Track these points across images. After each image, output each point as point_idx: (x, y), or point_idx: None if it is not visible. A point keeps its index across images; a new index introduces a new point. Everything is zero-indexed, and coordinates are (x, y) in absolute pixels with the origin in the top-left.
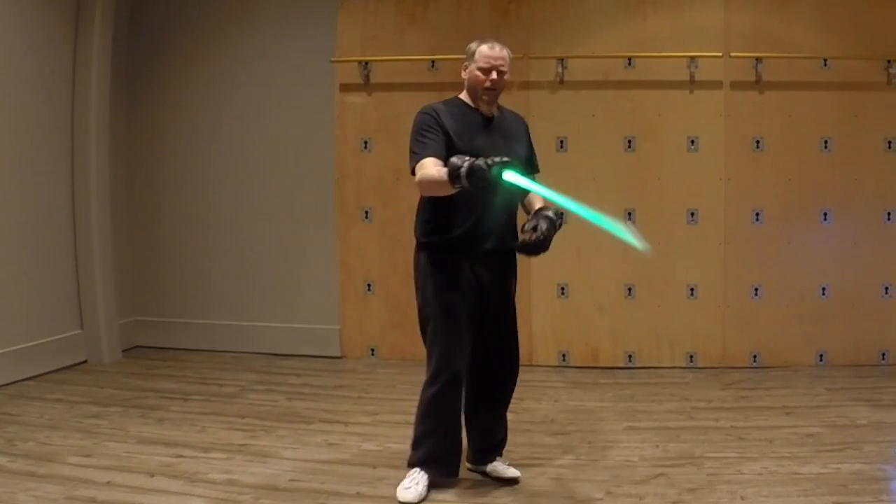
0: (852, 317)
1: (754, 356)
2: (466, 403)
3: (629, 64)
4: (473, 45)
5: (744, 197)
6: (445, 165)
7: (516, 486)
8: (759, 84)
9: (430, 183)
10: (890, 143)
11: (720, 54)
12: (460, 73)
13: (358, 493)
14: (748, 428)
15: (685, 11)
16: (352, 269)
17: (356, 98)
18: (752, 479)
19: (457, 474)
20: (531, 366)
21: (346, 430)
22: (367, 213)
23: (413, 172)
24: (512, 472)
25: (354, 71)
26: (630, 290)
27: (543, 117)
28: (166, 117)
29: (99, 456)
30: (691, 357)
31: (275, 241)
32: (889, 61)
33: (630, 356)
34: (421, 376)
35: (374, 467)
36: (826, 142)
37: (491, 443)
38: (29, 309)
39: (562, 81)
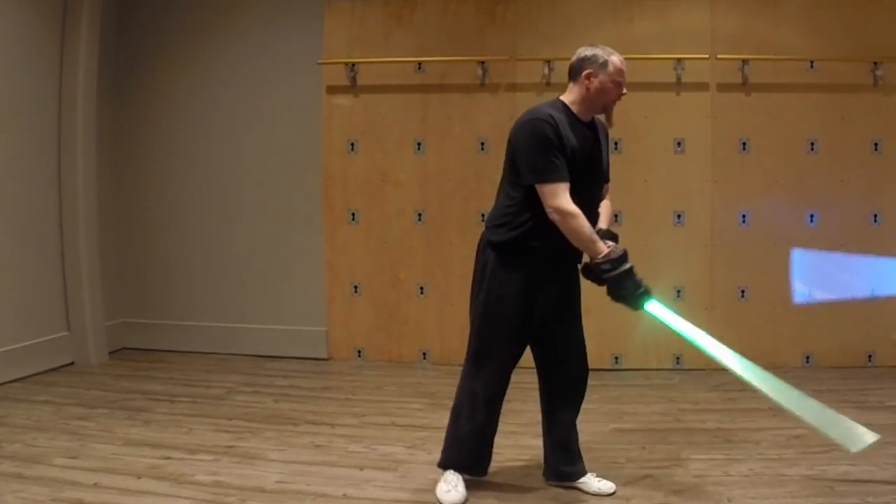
0: (838, 319)
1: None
2: (544, 416)
3: None
4: (602, 55)
5: (730, 199)
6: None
7: (503, 488)
8: (745, 86)
9: (573, 232)
10: (876, 144)
11: (707, 56)
12: (584, 81)
13: (345, 495)
14: (735, 430)
15: (671, 13)
16: (338, 271)
17: (343, 100)
18: (738, 481)
19: (485, 474)
20: (518, 367)
21: (332, 431)
22: (353, 214)
23: (536, 182)
24: (606, 485)
25: (341, 73)
26: None
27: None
28: (153, 119)
29: (86, 458)
30: (678, 359)
31: (262, 242)
32: (875, 63)
33: (616, 358)
34: (407, 378)
35: (361, 469)
36: (813, 144)
37: (573, 455)
38: (16, 311)
39: (548, 83)
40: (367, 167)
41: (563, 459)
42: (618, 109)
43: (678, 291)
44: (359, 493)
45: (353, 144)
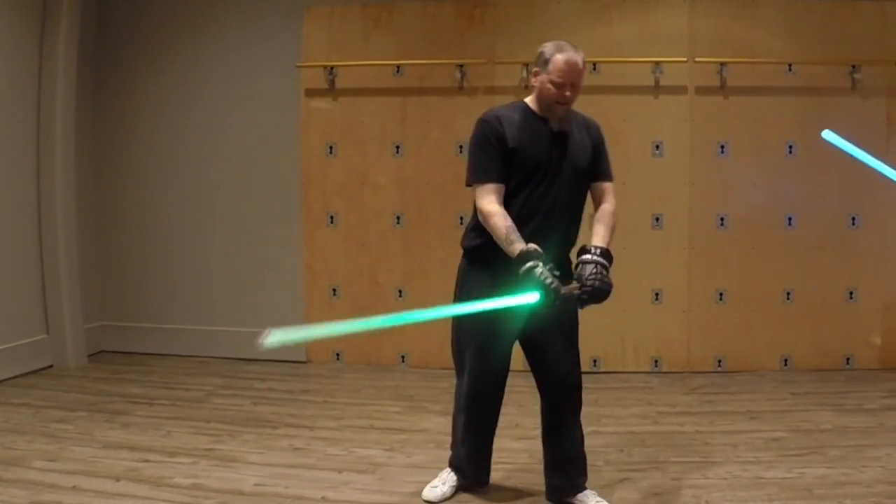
0: (817, 321)
1: (719, 361)
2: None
3: (594, 69)
4: (547, 51)
5: (708, 202)
6: (511, 191)
7: (481, 491)
8: (723, 89)
9: (493, 231)
10: None
11: (685, 59)
12: (531, 78)
13: (323, 498)
14: (713, 433)
15: (650, 17)
16: (317, 274)
17: (321, 103)
18: (716, 484)
19: (484, 483)
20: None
21: (311, 434)
22: (332, 217)
23: (469, 185)
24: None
25: (320, 76)
26: None
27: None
28: (132, 122)
29: (64, 460)
30: (656, 362)
31: (240, 245)
32: (853, 66)
33: (595, 361)
34: (385, 381)
35: (340, 472)
36: (791, 147)
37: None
38: None
39: (527, 87)
40: (345, 170)
41: (561, 476)
42: (595, 112)
43: (656, 294)
44: (337, 496)
45: (331, 147)
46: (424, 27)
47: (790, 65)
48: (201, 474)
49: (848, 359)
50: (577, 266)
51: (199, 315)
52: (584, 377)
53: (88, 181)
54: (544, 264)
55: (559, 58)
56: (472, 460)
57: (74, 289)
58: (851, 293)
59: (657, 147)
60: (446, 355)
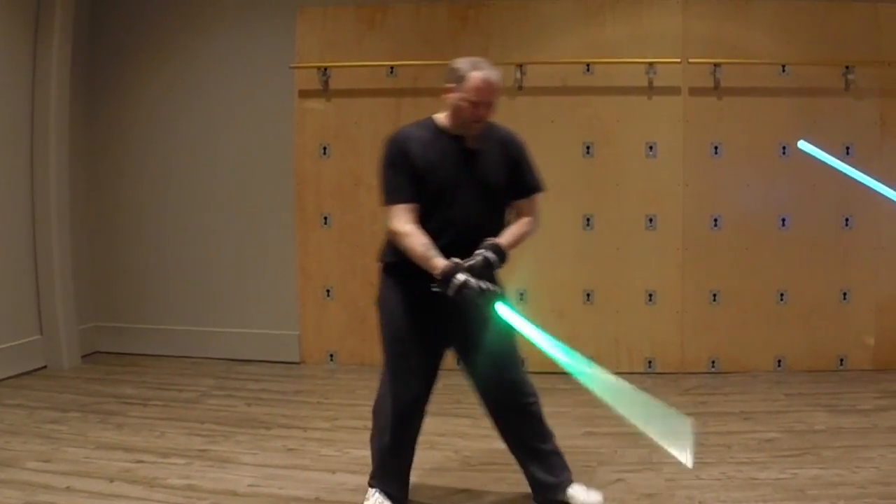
0: (810, 322)
1: (712, 361)
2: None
3: (588, 70)
4: (464, 68)
5: (702, 203)
6: (424, 208)
7: (475, 492)
8: (717, 90)
9: (409, 251)
10: (848, 148)
11: (678, 60)
12: (442, 93)
13: (317, 499)
14: (706, 433)
15: (643, 17)
16: (311, 275)
17: (315, 104)
18: (710, 485)
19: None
20: None
21: (305, 435)
22: (325, 218)
23: (383, 205)
24: (594, 497)
25: (313, 77)
26: (588, 295)
27: (502, 123)
28: (125, 123)
29: (58, 461)
30: (650, 362)
31: (234, 246)
32: (847, 67)
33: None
34: (378, 382)
35: (334, 472)
36: (784, 148)
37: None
38: None
39: (520, 87)
40: (339, 171)
41: (540, 470)
42: (589, 113)
43: (650, 295)
44: (331, 497)
45: (325, 148)
46: (418, 28)
47: (784, 66)
48: (195, 475)
49: (841, 360)
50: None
51: (192, 316)
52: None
53: (82, 182)
54: (468, 273)
55: (476, 76)
56: (399, 479)
57: (68, 289)
58: (845, 294)
59: (651, 148)
60: None
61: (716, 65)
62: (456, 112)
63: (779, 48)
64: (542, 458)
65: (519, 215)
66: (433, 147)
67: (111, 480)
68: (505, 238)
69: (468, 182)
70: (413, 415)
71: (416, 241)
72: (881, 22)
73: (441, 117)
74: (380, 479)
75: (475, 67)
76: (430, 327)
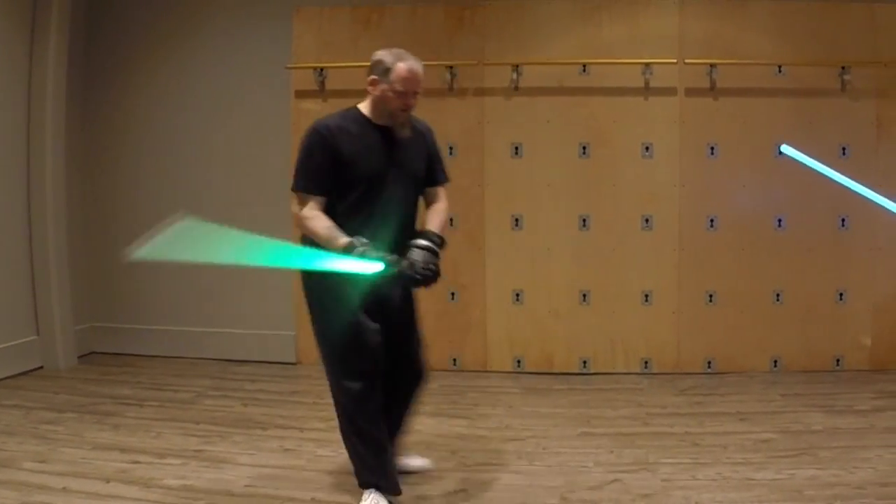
0: (806, 323)
1: (709, 362)
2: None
3: (584, 70)
4: (388, 60)
5: (698, 203)
6: (335, 200)
7: (471, 492)
8: (713, 91)
9: (314, 233)
10: (844, 149)
11: (675, 61)
12: (369, 86)
13: (313, 499)
14: (702, 434)
15: (640, 18)
16: None
17: (311, 104)
18: (706, 485)
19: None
20: (486, 372)
21: (301, 435)
22: None
23: (293, 189)
24: (419, 461)
25: (310, 77)
26: (585, 295)
27: (498, 124)
28: (122, 123)
29: (54, 462)
30: (646, 363)
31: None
32: (843, 68)
33: (585, 362)
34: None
35: (330, 473)
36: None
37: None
38: None
39: (517, 88)
40: None
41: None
42: (585, 113)
43: (646, 296)
44: (327, 497)
45: None
46: (414, 29)
47: (780, 66)
48: (191, 475)
49: (838, 360)
50: (410, 249)
51: (188, 317)
52: (573, 378)
53: (78, 183)
54: (375, 248)
55: (402, 66)
56: (386, 469)
57: (64, 290)
58: (841, 294)
59: (647, 148)
60: (436, 356)
61: (712, 65)
62: (382, 103)
63: (775, 49)
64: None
65: (430, 203)
66: (361, 138)
67: (107, 481)
68: (438, 226)
69: (395, 171)
70: (371, 400)
71: (321, 223)
72: (877, 22)
73: (365, 108)
74: (369, 478)
75: (399, 59)
76: (359, 317)
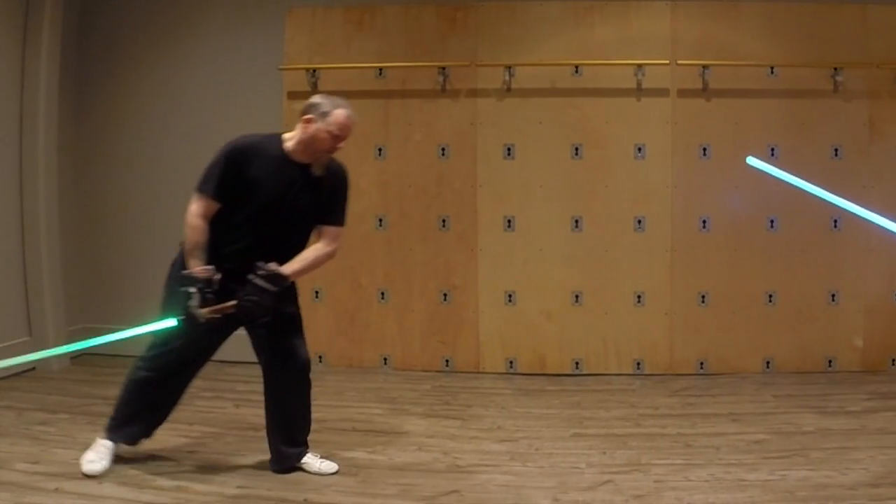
0: (799, 324)
1: (701, 363)
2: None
3: (576, 72)
4: (326, 105)
5: (691, 204)
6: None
7: (464, 493)
8: (705, 92)
9: (186, 237)
10: (836, 150)
11: (667, 62)
12: (302, 124)
13: (305, 500)
14: (695, 435)
15: (632, 19)
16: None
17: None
18: (698, 486)
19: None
20: (479, 373)
21: None
22: None
23: (195, 189)
24: (328, 465)
25: (302, 78)
26: (577, 297)
27: (491, 125)
28: (114, 124)
29: (47, 463)
30: (638, 364)
31: None
32: (836, 69)
33: (577, 363)
34: (367, 383)
35: (321, 474)
36: (773, 149)
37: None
38: None
39: (509, 89)
40: None
41: (284, 441)
42: (578, 115)
43: (639, 297)
44: (319, 498)
45: None
46: (407, 30)
47: (772, 67)
48: (184, 477)
49: (830, 361)
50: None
51: None
52: (565, 379)
53: (71, 183)
54: (203, 289)
55: (341, 112)
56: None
57: (57, 291)
58: (833, 295)
59: (639, 149)
60: (428, 357)
61: (704, 66)
62: (312, 141)
63: (767, 50)
64: (294, 431)
65: (320, 238)
66: (270, 166)
67: (100, 482)
68: (289, 265)
69: (291, 206)
70: (185, 377)
71: (196, 237)
72: (869, 23)
73: (289, 140)
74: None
75: (338, 105)
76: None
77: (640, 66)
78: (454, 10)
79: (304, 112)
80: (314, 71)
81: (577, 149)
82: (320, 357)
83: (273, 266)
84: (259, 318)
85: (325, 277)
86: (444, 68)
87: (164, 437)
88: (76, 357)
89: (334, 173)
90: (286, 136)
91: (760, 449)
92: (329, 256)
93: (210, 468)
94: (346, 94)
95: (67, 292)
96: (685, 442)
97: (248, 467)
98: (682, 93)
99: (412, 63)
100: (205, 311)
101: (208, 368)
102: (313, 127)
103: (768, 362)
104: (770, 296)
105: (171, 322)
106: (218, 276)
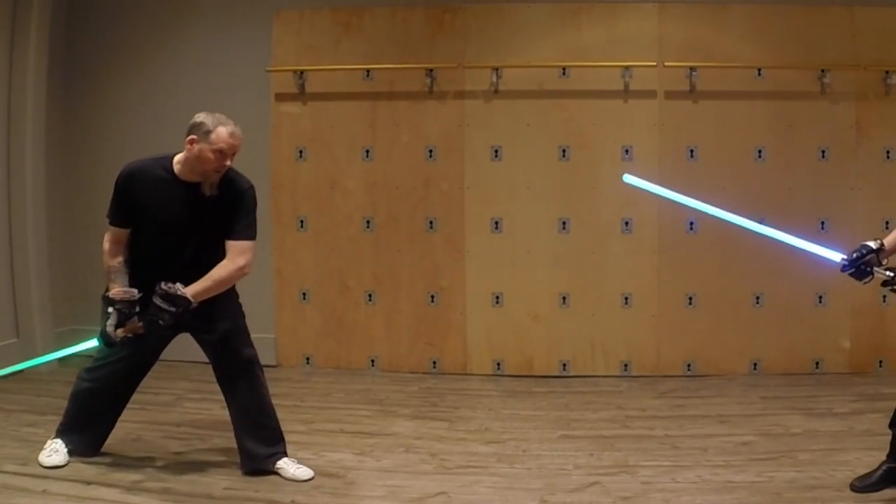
0: (786, 326)
1: (688, 365)
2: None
3: (563, 73)
4: (209, 123)
5: (678, 206)
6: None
7: (451, 495)
8: (693, 93)
9: (104, 262)
10: (824, 152)
11: (654, 64)
12: (187, 145)
13: (293, 502)
14: (682, 436)
15: (619, 21)
16: (287, 278)
17: (291, 107)
18: (686, 488)
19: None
20: (466, 374)
21: None
22: (302, 221)
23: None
24: (303, 471)
25: (290, 80)
26: (565, 298)
27: (478, 127)
28: (102, 126)
29: (35, 465)
30: (625, 365)
31: None
32: (822, 71)
33: (564, 365)
34: (355, 385)
35: (297, 480)
36: (760, 151)
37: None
38: None
39: (496, 91)
40: (315, 174)
41: (250, 438)
42: (564, 116)
43: (626, 299)
44: (307, 500)
45: (301, 152)
46: (394, 31)
47: (759, 69)
48: (171, 478)
49: (817, 363)
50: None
51: None
52: (553, 381)
53: (58, 185)
54: (121, 310)
55: (223, 130)
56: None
57: (45, 292)
58: (821, 297)
59: (627, 151)
60: (416, 359)
61: (691, 68)
62: (198, 161)
63: (754, 52)
64: (259, 430)
65: (227, 254)
66: (161, 189)
67: (88, 483)
68: (196, 285)
69: (189, 225)
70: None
71: (107, 261)
72: (857, 25)
73: (178, 162)
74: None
75: (220, 123)
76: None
77: (627, 67)
78: (441, 12)
79: (188, 132)
80: (302, 73)
81: (564, 150)
82: (308, 358)
83: (170, 286)
84: (162, 333)
85: (313, 279)
86: (431, 70)
87: (152, 439)
88: (65, 359)
89: (231, 188)
90: (177, 157)
91: (748, 450)
92: (239, 271)
93: (197, 470)
94: (334, 96)
95: (55, 294)
96: (672, 443)
97: (235, 469)
98: (670, 94)
99: (399, 65)
100: (119, 331)
101: (195, 370)
102: (197, 147)
103: (755, 364)
104: (757, 297)
105: (92, 342)
106: (138, 297)
